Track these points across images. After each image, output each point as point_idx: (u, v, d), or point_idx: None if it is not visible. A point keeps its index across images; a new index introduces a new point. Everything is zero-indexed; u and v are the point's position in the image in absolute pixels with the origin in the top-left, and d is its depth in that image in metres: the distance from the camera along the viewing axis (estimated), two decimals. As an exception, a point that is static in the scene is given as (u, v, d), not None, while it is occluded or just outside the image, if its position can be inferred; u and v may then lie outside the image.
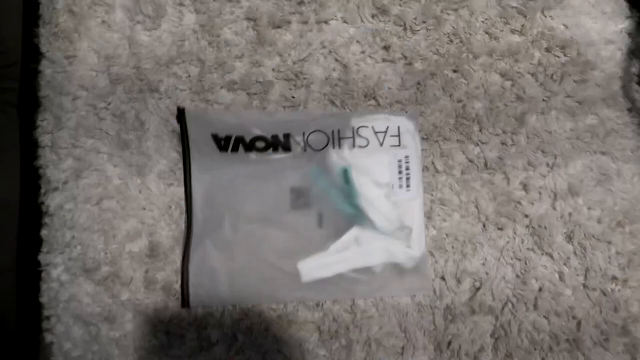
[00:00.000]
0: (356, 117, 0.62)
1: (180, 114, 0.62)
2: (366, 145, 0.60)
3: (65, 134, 0.64)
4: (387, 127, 0.62)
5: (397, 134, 0.62)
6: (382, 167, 0.62)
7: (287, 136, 0.62)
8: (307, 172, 0.61)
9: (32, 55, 0.65)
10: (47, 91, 0.66)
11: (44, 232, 0.64)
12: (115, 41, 0.66)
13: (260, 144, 0.62)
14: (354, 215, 0.60)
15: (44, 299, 0.63)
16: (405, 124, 0.61)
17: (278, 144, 0.62)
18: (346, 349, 0.59)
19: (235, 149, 0.62)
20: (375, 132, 0.61)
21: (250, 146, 0.62)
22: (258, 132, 0.62)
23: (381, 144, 0.62)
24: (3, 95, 0.52)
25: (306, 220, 0.61)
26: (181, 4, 0.66)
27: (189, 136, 0.62)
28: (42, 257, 0.64)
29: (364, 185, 0.61)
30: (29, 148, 0.63)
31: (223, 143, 0.62)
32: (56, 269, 0.63)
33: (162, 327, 0.60)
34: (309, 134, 0.62)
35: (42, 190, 0.65)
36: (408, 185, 0.59)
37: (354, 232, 0.60)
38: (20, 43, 0.56)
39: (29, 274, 0.62)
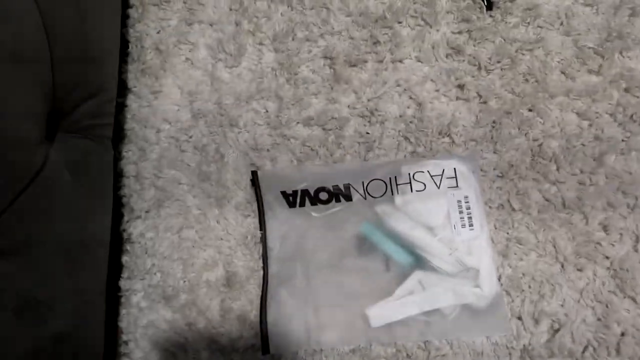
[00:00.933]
0: (409, 163, 0.68)
1: (254, 176, 0.70)
2: (423, 189, 0.64)
3: (148, 165, 0.69)
4: (443, 170, 0.67)
5: (453, 175, 0.67)
6: (439, 209, 0.66)
7: (347, 186, 0.68)
8: (362, 228, 0.66)
9: (120, 89, 0.69)
10: (132, 124, 0.71)
11: (125, 259, 0.68)
12: (198, 77, 0.70)
13: (323, 196, 0.69)
14: (414, 262, 0.65)
15: (123, 324, 0.67)
16: (460, 165, 0.66)
17: (340, 194, 0.68)
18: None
19: (302, 203, 0.69)
20: (432, 176, 0.67)
21: (315, 199, 0.69)
22: (320, 184, 0.69)
23: (438, 187, 0.66)
24: (102, 130, 0.56)
25: (374, 265, 0.67)
26: (261, 43, 0.70)
27: (262, 196, 0.69)
28: (122, 283, 0.68)
29: (414, 230, 0.64)
30: (114, 178, 0.66)
31: (291, 199, 0.69)
32: (136, 295, 0.66)
33: (236, 357, 0.61)
34: (368, 183, 0.68)
35: (125, 219, 0.69)
36: (471, 225, 0.64)
37: (416, 276, 0.65)
38: (116, 80, 0.59)
39: (110, 298, 0.64)
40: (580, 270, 0.64)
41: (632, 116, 0.67)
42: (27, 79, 0.46)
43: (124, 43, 0.75)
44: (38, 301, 0.45)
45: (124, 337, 0.68)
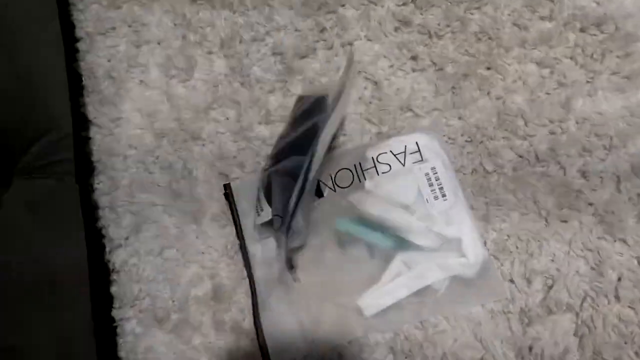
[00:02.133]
0: (372, 146, 0.66)
1: (227, 189, 0.69)
2: (389, 170, 0.62)
3: (121, 193, 0.69)
4: (405, 147, 0.65)
5: (417, 149, 0.65)
6: (409, 186, 0.64)
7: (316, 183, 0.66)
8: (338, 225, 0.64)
9: (81, 123, 0.69)
10: (99, 155, 0.71)
11: (113, 289, 0.68)
12: (154, 98, 0.70)
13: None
14: (396, 245, 0.63)
15: (122, 353, 0.67)
16: (422, 138, 0.65)
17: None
18: (423, 367, 0.57)
19: None
20: (395, 155, 0.65)
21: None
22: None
23: (403, 164, 0.64)
24: (61, 167, 0.56)
25: (356, 254, 0.65)
26: (210, 52, 0.70)
27: (236, 207, 0.68)
28: (115, 313, 0.68)
29: (390, 213, 0.62)
30: (90, 211, 0.66)
31: None
32: (129, 322, 0.67)
33: (236, 367, 0.61)
34: (335, 174, 0.67)
35: (107, 249, 0.69)
36: (444, 195, 0.62)
37: (400, 257, 0.64)
38: (69, 116, 0.60)
39: (105, 331, 0.64)
40: (565, 221, 0.62)
41: (592, 55, 0.65)
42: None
43: (78, 76, 0.75)
44: (14, 348, 0.46)
45: (125, 366, 0.69)
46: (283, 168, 0.62)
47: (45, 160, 0.57)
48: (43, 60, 0.60)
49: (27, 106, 0.54)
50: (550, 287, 0.61)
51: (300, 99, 0.67)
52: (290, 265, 0.64)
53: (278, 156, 0.64)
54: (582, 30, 0.65)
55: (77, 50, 0.76)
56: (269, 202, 0.62)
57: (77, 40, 0.76)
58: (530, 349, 0.61)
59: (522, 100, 0.65)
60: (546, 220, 0.63)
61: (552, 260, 0.62)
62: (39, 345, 0.49)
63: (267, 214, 0.63)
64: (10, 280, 0.47)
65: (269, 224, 0.64)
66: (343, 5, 0.71)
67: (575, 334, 0.60)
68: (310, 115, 0.63)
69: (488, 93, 0.66)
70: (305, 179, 0.60)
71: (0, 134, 0.50)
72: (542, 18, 0.66)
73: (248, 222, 0.68)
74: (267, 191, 0.63)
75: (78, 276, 0.58)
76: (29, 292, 0.49)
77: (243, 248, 0.68)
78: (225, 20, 0.73)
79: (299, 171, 0.60)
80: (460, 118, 0.66)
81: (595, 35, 0.65)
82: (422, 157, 0.64)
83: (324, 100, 0.62)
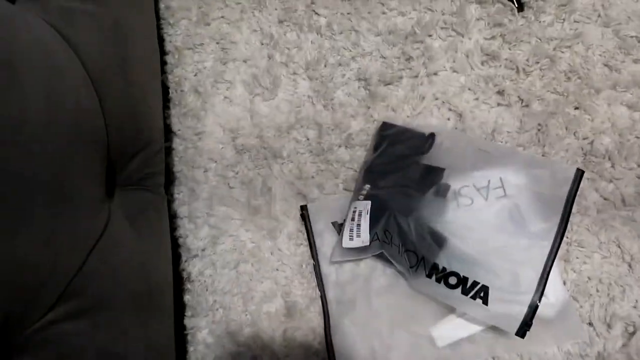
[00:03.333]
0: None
1: (303, 210, 0.71)
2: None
3: (200, 205, 0.71)
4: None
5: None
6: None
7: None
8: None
9: (165, 133, 0.72)
10: (180, 166, 0.73)
11: (187, 297, 0.70)
12: (238, 114, 0.72)
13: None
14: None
15: (191, 362, 0.67)
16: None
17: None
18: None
19: None
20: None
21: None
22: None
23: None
24: (155, 179, 0.59)
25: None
26: (295, 73, 0.72)
27: (312, 228, 0.70)
28: (187, 321, 0.70)
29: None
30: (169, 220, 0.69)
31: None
32: (201, 332, 0.69)
33: (304, 386, 0.62)
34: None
35: (183, 258, 0.71)
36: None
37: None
38: (163, 130, 0.62)
39: (176, 337, 0.67)
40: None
41: (686, 103, 0.64)
42: (86, 145, 0.48)
43: (165, 89, 0.78)
44: (115, 355, 0.48)
45: (194, 375, 0.70)
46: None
47: (143, 173, 0.60)
48: (147, 77, 0.63)
49: (134, 121, 0.57)
50: (632, 334, 0.60)
51: (388, 126, 0.69)
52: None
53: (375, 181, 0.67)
54: (676, 75, 0.65)
55: (165, 63, 0.79)
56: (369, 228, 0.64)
57: (166, 53, 0.79)
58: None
59: (610, 141, 0.65)
60: (629, 266, 0.62)
61: (635, 307, 0.61)
62: (131, 351, 0.51)
63: (363, 240, 0.65)
64: (117, 290, 0.49)
65: (360, 249, 0.66)
66: (430, 36, 0.72)
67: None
68: (415, 148, 0.66)
69: (575, 133, 0.66)
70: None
71: (111, 147, 0.53)
72: (635, 61, 0.66)
73: (323, 244, 0.69)
74: (373, 216, 0.64)
75: (167, 286, 0.60)
76: (131, 302, 0.51)
77: (317, 268, 0.69)
78: (312, 43, 0.75)
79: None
80: (544, 155, 0.66)
81: (689, 82, 0.65)
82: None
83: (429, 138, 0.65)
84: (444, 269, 0.61)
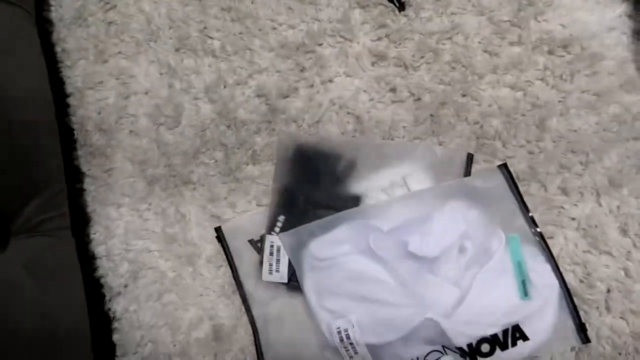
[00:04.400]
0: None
1: (218, 232, 0.71)
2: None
3: (116, 241, 0.71)
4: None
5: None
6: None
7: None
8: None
9: (74, 176, 0.71)
10: (94, 206, 0.73)
11: (115, 337, 0.70)
12: (144, 146, 0.73)
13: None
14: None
15: (127, 402, 0.66)
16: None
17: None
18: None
19: None
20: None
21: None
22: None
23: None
24: (56, 222, 0.58)
25: None
26: (196, 98, 0.73)
27: (229, 249, 0.70)
28: (118, 361, 0.68)
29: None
30: (87, 261, 0.68)
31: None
32: None
33: (241, 407, 0.62)
34: None
35: (107, 298, 0.70)
36: None
37: None
38: (62, 172, 0.62)
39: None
40: (550, 237, 0.64)
41: (561, 76, 0.67)
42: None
43: (70, 131, 0.78)
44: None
45: (131, 415, 0.69)
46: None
47: (39, 218, 0.59)
48: (36, 122, 0.62)
49: (22, 169, 0.57)
50: (542, 304, 0.62)
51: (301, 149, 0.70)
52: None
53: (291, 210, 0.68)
54: (550, 52, 0.68)
55: (68, 106, 0.79)
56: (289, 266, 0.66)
57: (67, 96, 0.79)
58: (530, 364, 0.62)
59: (498, 123, 0.68)
60: (532, 238, 0.65)
61: (542, 277, 0.63)
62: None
63: (282, 276, 0.66)
64: (11, 338, 0.48)
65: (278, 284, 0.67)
66: (320, 44, 0.74)
67: (571, 349, 0.62)
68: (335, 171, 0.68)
69: (466, 119, 0.69)
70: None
71: (-4, 197, 0.52)
72: (511, 44, 0.69)
73: (242, 262, 0.70)
74: (294, 254, 0.66)
75: (79, 330, 0.59)
76: (30, 350, 0.50)
77: (240, 288, 0.69)
78: (209, 66, 0.76)
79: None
80: (440, 144, 0.69)
81: (562, 56, 0.68)
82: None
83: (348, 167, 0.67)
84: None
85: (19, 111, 0.59)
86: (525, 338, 0.60)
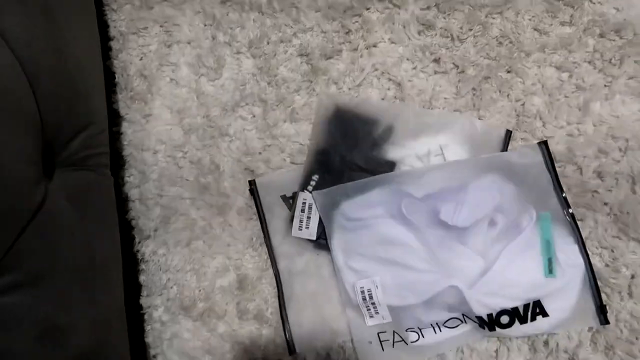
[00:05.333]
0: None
1: (252, 185, 0.72)
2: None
3: (150, 186, 0.72)
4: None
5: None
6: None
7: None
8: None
9: (113, 119, 0.72)
10: (130, 150, 0.74)
11: (142, 278, 0.71)
12: (184, 95, 0.73)
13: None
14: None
15: (149, 339, 0.70)
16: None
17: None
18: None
19: None
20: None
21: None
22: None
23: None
24: (98, 160, 0.60)
25: None
26: (238, 52, 0.73)
27: (261, 203, 0.71)
28: (143, 301, 0.71)
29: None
30: (120, 203, 0.70)
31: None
32: (157, 310, 0.70)
33: (259, 354, 0.64)
34: None
35: (137, 240, 0.72)
36: None
37: None
38: (105, 111, 0.63)
39: (133, 317, 0.68)
40: (581, 220, 0.65)
41: (610, 60, 0.67)
42: (15, 126, 0.49)
43: (111, 74, 0.79)
44: (58, 326, 0.49)
45: (152, 352, 0.72)
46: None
47: (84, 154, 0.60)
48: (84, 59, 0.63)
49: (71, 102, 0.58)
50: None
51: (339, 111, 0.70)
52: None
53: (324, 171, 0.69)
54: (601, 35, 0.67)
55: (110, 49, 0.79)
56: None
57: (110, 39, 0.80)
58: (546, 343, 0.63)
59: (541, 102, 0.68)
60: (563, 219, 0.65)
61: (568, 258, 0.64)
62: (77, 323, 0.52)
63: (311, 233, 0.68)
64: (57, 265, 0.50)
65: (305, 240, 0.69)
66: (368, 9, 0.73)
67: (588, 329, 0.63)
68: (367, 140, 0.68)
69: (508, 95, 0.69)
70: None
71: (46, 128, 0.54)
72: (562, 23, 0.69)
73: (273, 217, 0.71)
74: (325, 212, 0.67)
75: (114, 263, 0.61)
76: (73, 277, 0.52)
77: (267, 241, 0.71)
78: (254, 21, 0.76)
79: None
80: (480, 118, 0.69)
81: (614, 40, 0.67)
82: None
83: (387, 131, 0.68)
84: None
85: (71, 49, 0.60)
86: (545, 314, 0.61)
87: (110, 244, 0.61)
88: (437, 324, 0.63)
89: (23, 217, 0.48)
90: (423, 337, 0.63)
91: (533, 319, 0.61)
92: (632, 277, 0.63)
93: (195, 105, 0.76)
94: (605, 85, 0.67)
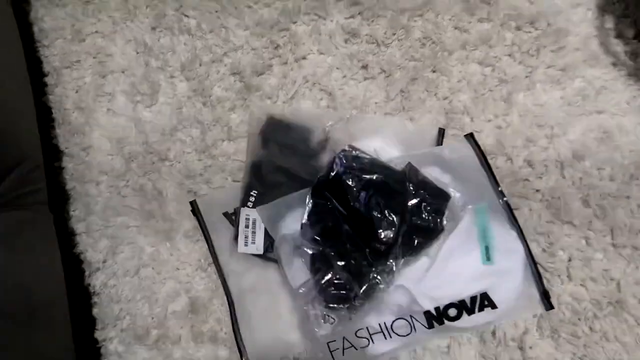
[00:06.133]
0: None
1: (193, 205, 0.72)
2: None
3: (96, 218, 0.72)
4: None
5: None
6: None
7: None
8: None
9: (54, 154, 0.72)
10: (72, 183, 0.74)
11: (95, 311, 0.72)
12: (122, 124, 0.74)
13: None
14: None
15: (107, 373, 0.68)
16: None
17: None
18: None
19: None
20: None
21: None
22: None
23: None
24: (33, 197, 0.59)
25: None
26: (172, 76, 0.74)
27: (205, 222, 0.71)
28: (97, 334, 0.72)
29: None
30: (67, 238, 0.69)
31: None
32: (112, 342, 0.70)
33: (217, 376, 0.64)
34: None
35: (86, 273, 0.72)
36: None
37: None
38: (39, 147, 0.63)
39: (89, 352, 0.67)
40: (516, 209, 0.66)
41: (528, 51, 0.69)
42: None
43: (48, 110, 0.79)
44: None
45: (111, 385, 0.71)
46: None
47: (17, 192, 0.60)
48: (12, 99, 0.63)
49: (-3, 142, 0.58)
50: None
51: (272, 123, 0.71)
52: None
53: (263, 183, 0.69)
54: (517, 28, 0.70)
55: (45, 85, 0.79)
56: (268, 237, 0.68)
57: (45, 75, 0.80)
58: (493, 333, 0.64)
59: (467, 98, 0.69)
60: (500, 210, 0.67)
61: (507, 247, 0.65)
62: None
63: (257, 248, 0.68)
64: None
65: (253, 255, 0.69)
66: (294, 22, 0.75)
67: (533, 316, 0.64)
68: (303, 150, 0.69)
69: (435, 94, 0.70)
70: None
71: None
72: (480, 20, 0.71)
73: (218, 236, 0.71)
74: (271, 226, 0.67)
75: (57, 301, 0.60)
76: (6, 321, 0.51)
77: (215, 260, 0.71)
78: (185, 44, 0.77)
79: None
80: (411, 119, 0.70)
81: (529, 32, 0.69)
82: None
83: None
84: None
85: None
86: (493, 306, 0.62)
87: (51, 281, 0.60)
88: (386, 327, 0.63)
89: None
90: (373, 342, 0.63)
91: (481, 310, 0.62)
92: (569, 259, 0.64)
93: (133, 132, 0.76)
94: (526, 77, 0.69)
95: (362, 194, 0.63)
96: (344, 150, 0.67)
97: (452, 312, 0.62)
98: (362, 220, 0.62)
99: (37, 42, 0.81)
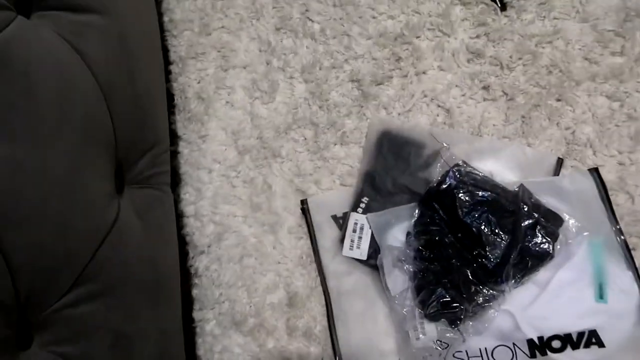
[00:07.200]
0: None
1: (304, 204, 0.75)
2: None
3: (205, 203, 0.75)
4: None
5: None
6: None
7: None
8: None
9: (171, 138, 0.76)
10: (186, 168, 0.77)
11: (195, 292, 0.74)
12: (239, 117, 0.76)
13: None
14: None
15: (200, 352, 0.73)
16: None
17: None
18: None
19: None
20: None
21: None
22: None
23: None
24: (161, 178, 0.63)
25: None
26: (291, 77, 0.76)
27: (312, 222, 0.73)
28: (195, 314, 0.74)
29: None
30: (176, 219, 0.73)
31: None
32: (209, 323, 0.72)
33: (306, 371, 0.66)
34: None
35: (190, 255, 0.75)
36: None
37: None
38: (168, 132, 0.67)
39: (186, 330, 0.70)
40: (634, 249, 0.64)
41: (663, 90, 0.67)
42: (96, 145, 0.53)
43: (170, 96, 0.83)
44: (128, 336, 0.52)
45: (203, 364, 0.74)
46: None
47: (149, 172, 0.64)
48: (151, 82, 0.67)
49: (140, 123, 0.62)
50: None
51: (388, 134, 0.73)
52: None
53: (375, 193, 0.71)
54: (653, 66, 0.68)
55: (170, 72, 0.84)
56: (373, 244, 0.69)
57: (170, 63, 0.84)
58: None
59: (591, 130, 0.68)
60: (614, 248, 0.65)
61: (620, 287, 0.64)
62: (142, 334, 0.55)
63: (362, 253, 0.69)
64: (127, 277, 0.54)
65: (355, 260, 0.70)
66: (418, 37, 0.76)
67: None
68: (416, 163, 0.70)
69: (557, 123, 0.69)
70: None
71: (119, 147, 0.57)
72: (613, 53, 0.69)
73: (323, 236, 0.73)
74: (379, 234, 0.69)
75: (174, 277, 0.64)
76: (141, 289, 0.55)
77: (317, 259, 0.73)
78: (307, 48, 0.79)
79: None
80: (529, 146, 0.70)
81: (666, 71, 0.68)
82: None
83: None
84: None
85: (141, 72, 0.64)
86: (601, 345, 0.61)
87: (171, 259, 0.64)
88: (486, 353, 0.63)
89: (102, 230, 0.51)
90: None
91: (586, 347, 0.61)
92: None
93: (249, 127, 0.79)
94: (657, 115, 0.67)
95: (474, 209, 0.63)
96: (457, 165, 0.67)
97: (556, 344, 0.61)
98: (470, 235, 0.63)
99: (166, 32, 0.85)
